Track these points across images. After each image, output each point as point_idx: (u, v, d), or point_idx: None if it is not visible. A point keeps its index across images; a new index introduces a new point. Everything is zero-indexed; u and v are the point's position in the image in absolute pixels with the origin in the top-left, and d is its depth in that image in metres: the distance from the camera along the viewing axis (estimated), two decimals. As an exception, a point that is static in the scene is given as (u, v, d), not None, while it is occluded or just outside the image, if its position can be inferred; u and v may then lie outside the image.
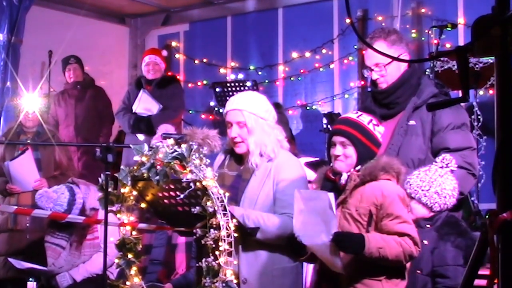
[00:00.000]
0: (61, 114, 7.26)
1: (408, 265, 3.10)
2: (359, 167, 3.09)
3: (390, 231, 2.95)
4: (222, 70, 8.19)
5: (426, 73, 6.14)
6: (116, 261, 3.40)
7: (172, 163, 3.10)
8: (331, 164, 3.16)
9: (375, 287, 2.99)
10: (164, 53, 7.39)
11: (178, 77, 8.13)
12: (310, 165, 3.96)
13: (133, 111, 6.92)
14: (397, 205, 2.98)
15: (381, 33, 3.62)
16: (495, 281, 1.88)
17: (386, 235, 2.95)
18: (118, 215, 3.36)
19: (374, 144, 3.11)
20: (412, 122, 3.48)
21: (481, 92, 6.15)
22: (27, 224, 5.73)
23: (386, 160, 3.06)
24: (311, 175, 3.63)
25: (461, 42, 6.63)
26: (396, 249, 2.91)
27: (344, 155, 3.08)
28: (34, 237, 5.56)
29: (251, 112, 3.36)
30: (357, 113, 3.20)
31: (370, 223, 2.99)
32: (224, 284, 3.02)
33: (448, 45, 6.65)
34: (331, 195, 2.98)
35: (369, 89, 3.87)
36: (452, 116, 3.49)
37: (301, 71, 7.72)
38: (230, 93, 7.24)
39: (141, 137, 6.79)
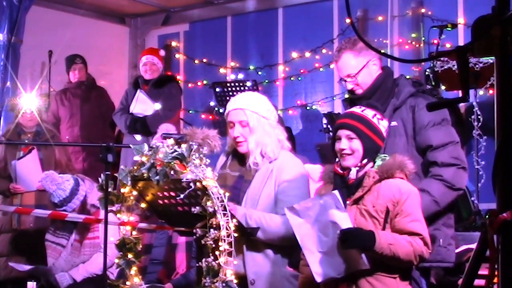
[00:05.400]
0: (65, 113, 7.24)
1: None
2: (371, 164, 3.09)
3: (402, 229, 2.96)
4: (222, 70, 8.19)
5: (427, 73, 6.15)
6: (116, 261, 3.39)
7: (172, 163, 3.10)
8: (337, 159, 3.16)
9: (389, 284, 2.98)
10: (162, 52, 7.37)
11: (177, 76, 8.13)
12: None
13: (130, 111, 6.92)
14: (412, 203, 2.99)
15: (347, 43, 3.66)
16: (496, 280, 1.88)
17: (397, 234, 2.95)
18: (118, 215, 3.36)
19: (379, 138, 3.12)
20: (394, 123, 3.52)
21: (481, 92, 6.14)
22: (31, 224, 5.74)
23: (401, 159, 3.08)
24: (315, 175, 3.62)
25: (461, 42, 6.63)
26: (406, 247, 2.91)
27: (350, 149, 3.08)
28: (37, 237, 5.56)
29: (253, 111, 3.37)
30: (360, 107, 3.20)
31: (386, 220, 2.99)
32: (224, 284, 3.01)
33: (448, 45, 6.65)
34: (336, 193, 2.99)
35: (346, 96, 3.91)
36: (431, 113, 3.51)
37: (301, 71, 7.72)
38: (230, 93, 7.24)
39: (138, 137, 6.79)
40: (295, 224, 3.04)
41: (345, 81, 3.65)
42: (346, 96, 3.86)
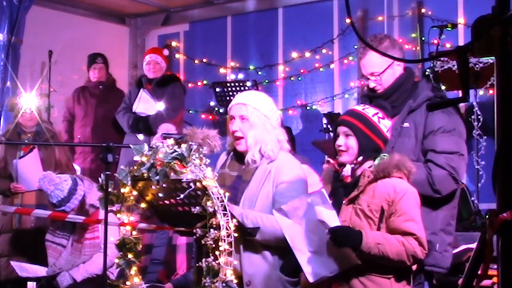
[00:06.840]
0: (79, 112, 7.21)
1: (414, 267, 3.09)
2: (370, 162, 3.09)
3: (396, 228, 2.95)
4: (222, 70, 8.19)
5: (427, 73, 6.15)
6: (116, 261, 3.39)
7: (172, 163, 3.10)
8: (337, 156, 3.17)
9: (383, 284, 2.98)
10: (166, 52, 7.37)
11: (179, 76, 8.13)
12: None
13: (133, 110, 6.92)
14: (407, 202, 2.98)
15: (373, 41, 3.63)
16: (496, 280, 1.88)
17: (388, 233, 2.94)
18: (118, 215, 3.36)
19: (377, 137, 3.11)
20: (406, 124, 3.52)
21: (481, 92, 6.15)
22: (32, 224, 5.74)
23: (399, 158, 3.08)
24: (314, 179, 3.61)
25: (461, 42, 6.63)
26: (397, 247, 2.90)
27: (346, 146, 3.09)
28: (37, 237, 5.55)
29: (255, 107, 3.37)
30: (363, 105, 3.22)
31: (381, 219, 2.98)
32: (224, 284, 3.01)
33: (448, 45, 6.65)
34: (323, 191, 3.00)
35: (364, 92, 3.91)
36: (444, 120, 3.51)
37: (301, 71, 7.72)
38: (230, 93, 7.24)
39: (140, 137, 6.78)
40: (284, 225, 3.05)
41: (368, 78, 3.63)
42: (363, 93, 3.85)
